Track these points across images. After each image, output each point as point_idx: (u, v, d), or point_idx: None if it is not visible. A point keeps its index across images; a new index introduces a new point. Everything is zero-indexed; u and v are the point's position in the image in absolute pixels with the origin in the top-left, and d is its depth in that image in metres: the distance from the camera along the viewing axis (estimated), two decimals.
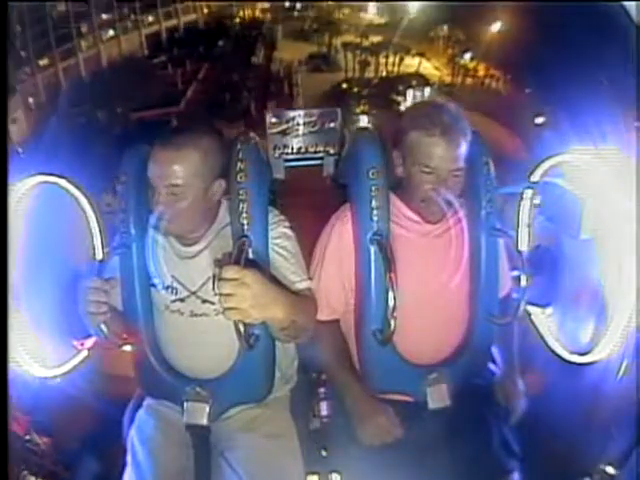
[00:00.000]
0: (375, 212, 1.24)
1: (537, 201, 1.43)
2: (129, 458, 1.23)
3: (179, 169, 1.14)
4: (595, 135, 1.34)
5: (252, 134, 1.32)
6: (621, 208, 1.27)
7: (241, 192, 1.21)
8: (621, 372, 1.32)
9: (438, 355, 1.31)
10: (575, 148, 1.35)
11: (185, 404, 1.23)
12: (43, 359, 1.35)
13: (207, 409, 1.23)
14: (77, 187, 1.35)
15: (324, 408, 1.49)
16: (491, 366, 1.41)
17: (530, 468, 1.25)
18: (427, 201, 1.24)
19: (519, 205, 1.40)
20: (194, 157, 1.15)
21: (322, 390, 1.51)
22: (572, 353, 1.39)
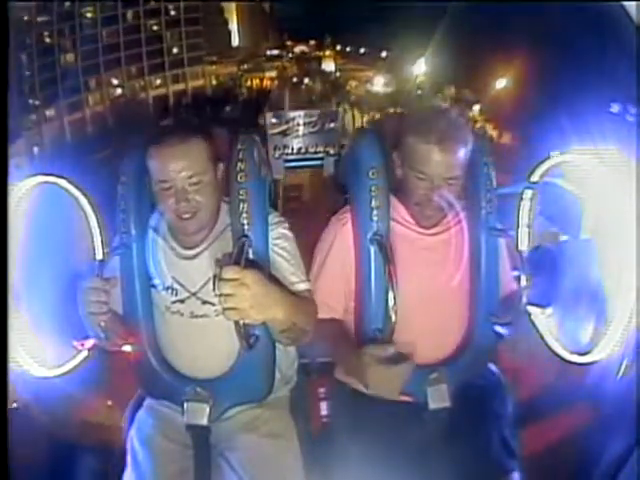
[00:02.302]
0: (375, 212, 1.24)
1: (537, 201, 1.43)
2: (129, 458, 1.23)
3: (193, 158, 1.15)
4: (595, 135, 1.34)
5: (252, 134, 1.32)
6: (621, 208, 1.27)
7: (241, 192, 1.21)
8: (621, 372, 1.32)
9: (438, 355, 1.31)
10: (575, 148, 1.35)
11: (185, 404, 1.23)
12: (43, 359, 1.34)
13: (207, 409, 1.23)
14: (77, 187, 1.35)
15: (324, 408, 1.49)
16: (491, 366, 1.41)
17: (530, 468, 1.25)
18: (421, 205, 1.25)
19: (519, 205, 1.40)
20: (200, 142, 1.18)
21: (322, 390, 1.51)
22: (572, 353, 1.39)
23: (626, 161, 1.26)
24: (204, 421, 1.23)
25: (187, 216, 1.17)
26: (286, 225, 1.27)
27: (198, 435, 1.23)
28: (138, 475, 1.19)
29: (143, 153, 1.19)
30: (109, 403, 1.76)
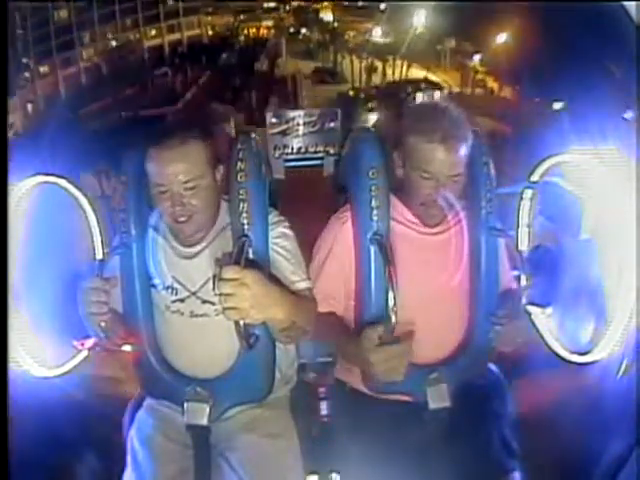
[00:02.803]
0: (375, 212, 1.24)
1: (537, 201, 1.43)
2: (129, 458, 1.23)
3: (190, 162, 1.14)
4: (595, 135, 1.34)
5: (252, 134, 1.32)
6: (621, 208, 1.27)
7: (241, 192, 1.21)
8: (621, 372, 1.32)
9: (438, 355, 1.31)
10: (575, 148, 1.35)
11: (185, 404, 1.23)
12: (43, 359, 1.35)
13: (207, 409, 1.23)
14: (77, 187, 1.35)
15: (324, 408, 1.49)
16: (491, 366, 1.41)
17: (530, 468, 1.25)
18: (426, 205, 1.24)
19: (519, 205, 1.41)
20: (199, 145, 1.16)
21: (322, 390, 1.51)
22: (572, 353, 1.40)
23: (626, 161, 1.26)
24: (204, 421, 1.22)
25: (183, 219, 1.17)
26: (286, 224, 1.27)
27: (198, 435, 1.23)
28: (138, 475, 1.19)
29: (143, 153, 1.19)
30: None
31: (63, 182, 1.33)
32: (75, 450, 1.65)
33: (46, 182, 1.33)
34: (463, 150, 1.20)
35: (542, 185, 1.42)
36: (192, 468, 1.21)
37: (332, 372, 1.45)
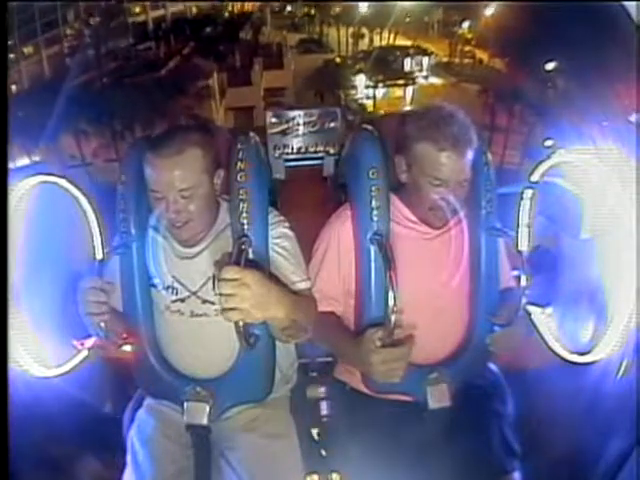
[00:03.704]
0: (375, 212, 1.24)
1: (537, 201, 1.43)
2: (129, 458, 1.23)
3: (187, 171, 1.14)
4: (595, 135, 1.34)
5: (252, 134, 1.32)
6: (621, 208, 1.27)
7: (241, 192, 1.21)
8: (621, 372, 1.32)
9: (438, 355, 1.31)
10: (575, 148, 1.35)
11: (185, 404, 1.23)
12: (43, 359, 1.34)
13: (207, 409, 1.23)
14: (77, 187, 1.35)
15: (324, 408, 1.49)
16: (491, 366, 1.41)
17: (530, 468, 1.25)
18: (435, 209, 1.24)
19: (519, 205, 1.40)
20: (197, 154, 1.15)
21: (322, 390, 1.51)
22: (572, 353, 1.39)
23: (626, 161, 1.26)
24: (204, 421, 1.23)
25: (179, 224, 1.17)
26: (286, 224, 1.27)
27: (198, 435, 1.23)
28: (138, 475, 1.19)
29: (142, 154, 1.19)
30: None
31: (63, 182, 1.32)
32: (75, 450, 1.65)
33: (46, 182, 1.33)
34: (471, 153, 1.20)
35: (542, 185, 1.41)
36: (192, 468, 1.21)
37: (332, 372, 1.46)
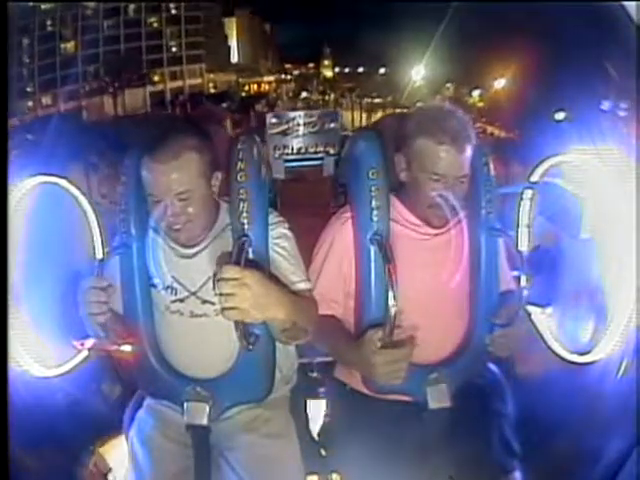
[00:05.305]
0: (375, 212, 1.24)
1: (537, 201, 1.43)
2: (129, 458, 1.24)
3: (184, 175, 1.13)
4: (595, 135, 1.34)
5: (252, 134, 1.32)
6: (621, 208, 1.27)
7: (241, 192, 1.21)
8: (621, 372, 1.32)
9: (438, 355, 1.31)
10: (575, 148, 1.35)
11: (185, 404, 1.23)
12: (43, 359, 1.35)
13: (207, 409, 1.23)
14: (77, 187, 1.35)
15: (324, 408, 1.49)
16: (491, 366, 1.41)
17: (530, 468, 1.25)
18: (434, 207, 1.24)
19: (519, 205, 1.41)
20: (194, 158, 1.15)
21: (322, 390, 1.51)
22: (572, 353, 1.39)
23: (626, 161, 1.26)
24: (204, 421, 1.22)
25: (177, 227, 1.17)
26: (286, 225, 1.27)
27: (198, 435, 1.23)
28: (138, 475, 1.19)
29: (141, 157, 1.18)
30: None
31: (63, 182, 1.32)
32: (75, 450, 1.65)
33: (46, 182, 1.33)
34: (470, 150, 1.20)
35: (542, 185, 1.41)
36: (192, 468, 1.21)
37: (332, 372, 1.46)
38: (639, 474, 1.18)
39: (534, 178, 1.39)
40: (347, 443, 1.29)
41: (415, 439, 1.21)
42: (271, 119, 2.41)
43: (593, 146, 1.31)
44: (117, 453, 1.61)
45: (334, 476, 1.37)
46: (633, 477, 1.20)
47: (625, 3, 1.19)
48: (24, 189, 1.31)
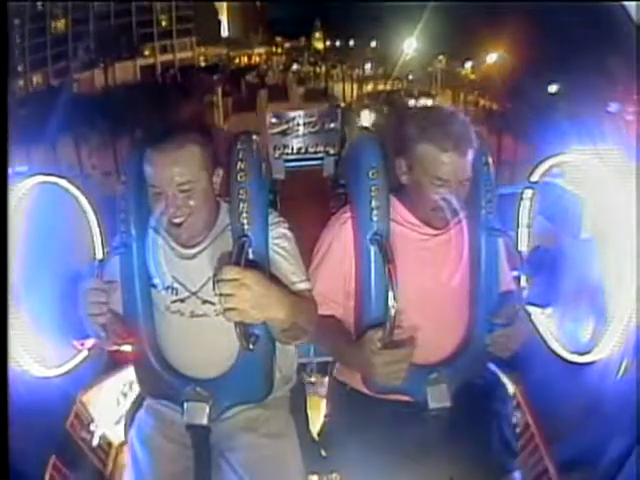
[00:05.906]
0: (375, 212, 1.24)
1: (537, 201, 1.43)
2: (129, 458, 1.23)
3: (185, 167, 1.14)
4: (595, 135, 1.34)
5: (252, 134, 1.32)
6: (621, 208, 1.27)
7: (241, 192, 1.21)
8: (621, 372, 1.32)
9: (438, 355, 1.31)
10: (575, 148, 1.35)
11: (185, 404, 1.23)
12: (43, 359, 1.35)
13: (207, 409, 1.23)
14: (77, 187, 1.35)
15: (324, 408, 1.49)
16: (491, 366, 1.41)
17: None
18: (437, 210, 1.23)
19: (519, 205, 1.41)
20: (196, 151, 1.16)
21: (322, 390, 1.51)
22: (572, 353, 1.39)
23: (626, 161, 1.26)
24: (204, 421, 1.22)
25: (178, 221, 1.17)
26: (286, 225, 1.27)
27: (198, 435, 1.23)
28: (138, 475, 1.19)
29: (142, 153, 1.19)
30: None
31: (63, 182, 1.33)
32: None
33: (46, 182, 1.33)
34: (472, 153, 1.20)
35: (542, 185, 1.42)
36: (192, 468, 1.21)
37: (332, 372, 1.46)
38: (639, 474, 1.18)
39: (534, 178, 1.39)
40: (347, 443, 1.29)
41: (415, 439, 1.21)
42: (271, 119, 2.42)
43: (593, 146, 1.31)
44: (99, 403, 1.60)
45: (334, 476, 1.37)
46: (633, 477, 1.20)
47: (625, 3, 1.19)
48: (24, 189, 1.32)
